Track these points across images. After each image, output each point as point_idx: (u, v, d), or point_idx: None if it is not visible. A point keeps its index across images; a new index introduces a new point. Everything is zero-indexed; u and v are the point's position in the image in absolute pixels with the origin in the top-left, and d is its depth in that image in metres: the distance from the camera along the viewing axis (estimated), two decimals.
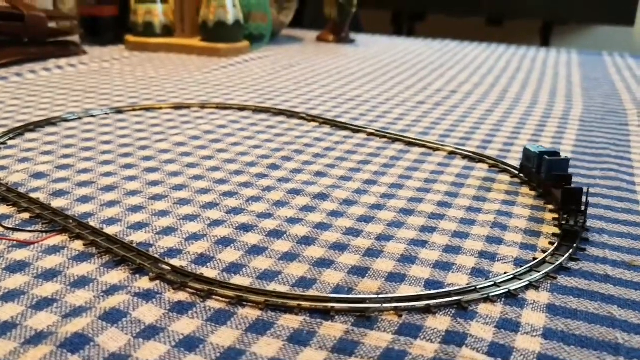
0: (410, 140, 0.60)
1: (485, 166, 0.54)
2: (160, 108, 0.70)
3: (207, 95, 0.76)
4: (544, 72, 1.01)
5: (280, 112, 0.69)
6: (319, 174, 0.50)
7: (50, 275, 0.33)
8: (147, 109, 0.69)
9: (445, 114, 0.72)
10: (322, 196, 0.46)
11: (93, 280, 0.33)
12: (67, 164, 0.51)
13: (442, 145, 0.58)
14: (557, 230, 0.41)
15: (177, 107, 0.70)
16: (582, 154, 0.58)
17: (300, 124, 0.65)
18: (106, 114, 0.66)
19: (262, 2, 1.10)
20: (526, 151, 0.49)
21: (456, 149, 0.57)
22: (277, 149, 0.57)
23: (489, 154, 0.57)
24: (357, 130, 0.63)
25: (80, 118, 0.64)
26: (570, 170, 0.53)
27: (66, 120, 0.63)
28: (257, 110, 0.70)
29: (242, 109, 0.70)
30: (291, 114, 0.68)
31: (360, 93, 0.81)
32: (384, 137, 0.61)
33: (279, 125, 0.64)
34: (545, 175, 0.46)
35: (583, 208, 0.42)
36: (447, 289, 0.32)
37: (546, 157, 0.46)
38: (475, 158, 0.55)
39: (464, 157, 0.56)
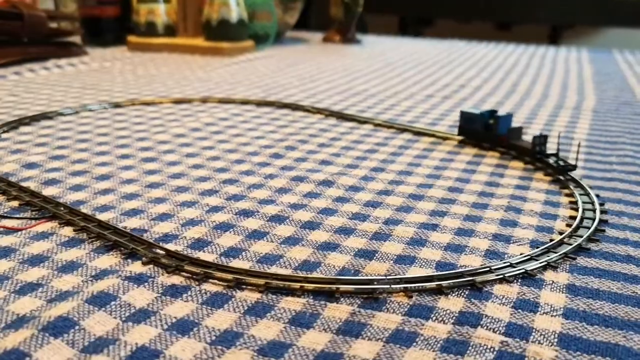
0: (419, 130, 0.58)
1: (497, 154, 0.51)
2: (161, 102, 0.68)
3: (209, 91, 0.74)
4: (554, 69, 0.99)
5: (284, 105, 0.67)
6: (324, 162, 0.48)
7: (36, 260, 0.31)
8: (148, 104, 0.67)
9: (455, 106, 0.70)
10: (327, 183, 0.43)
11: (82, 265, 0.31)
12: (62, 154, 0.49)
13: (452, 135, 0.56)
14: (574, 213, 0.38)
15: (178, 101, 0.68)
16: (597, 142, 0.56)
17: (305, 116, 0.63)
18: (104, 108, 0.65)
19: (267, 1, 1.09)
20: (465, 114, 0.53)
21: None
22: (281, 139, 0.55)
23: None
24: (363, 121, 0.61)
25: (77, 112, 0.63)
26: (586, 156, 0.51)
27: (63, 115, 0.62)
28: (261, 104, 0.68)
29: (245, 102, 0.69)
30: (296, 107, 0.66)
31: (367, 88, 0.79)
32: (392, 127, 0.59)
33: (283, 118, 0.62)
34: (500, 130, 0.50)
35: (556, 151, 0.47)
36: (459, 270, 0.30)
37: (498, 115, 0.50)
38: (486, 146, 0.53)
39: (475, 145, 0.54)
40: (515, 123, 0.62)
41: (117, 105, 0.66)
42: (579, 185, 0.43)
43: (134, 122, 0.60)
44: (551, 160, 0.47)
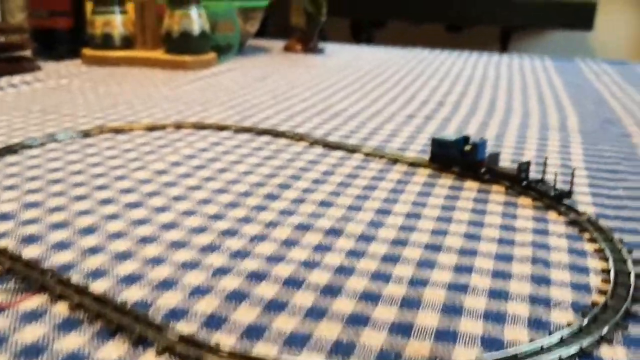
0: (412, 161, 0.55)
1: (502, 188, 0.49)
2: (132, 129, 0.63)
3: (180, 114, 0.70)
4: (525, 80, 0.98)
5: (264, 131, 0.64)
6: (324, 203, 0.45)
7: (32, 352, 0.27)
8: (117, 131, 0.62)
9: (439, 127, 0.67)
10: (335, 232, 0.40)
11: (86, 358, 0.27)
12: (35, 200, 0.44)
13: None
14: (605, 265, 0.36)
15: (151, 128, 0.64)
16: (597, 170, 0.54)
17: (289, 145, 0.60)
18: (72, 137, 0.60)
19: (229, 11, 1.04)
20: (438, 141, 0.52)
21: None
22: (271, 174, 0.51)
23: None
24: (352, 150, 0.58)
25: (43, 144, 0.58)
26: (592, 190, 0.49)
27: (28, 147, 0.56)
28: (239, 130, 0.64)
29: (221, 128, 0.65)
30: (277, 133, 0.63)
31: (345, 107, 0.76)
32: (383, 157, 0.56)
33: (266, 147, 0.59)
34: (479, 156, 0.50)
35: (541, 177, 0.46)
36: (512, 351, 0.28)
37: (476, 141, 0.50)
38: (491, 180, 0.51)
39: (479, 179, 0.51)
40: (505, 147, 0.60)
41: (85, 135, 0.61)
42: (596, 226, 0.41)
43: (108, 155, 0.55)
44: (542, 187, 0.46)
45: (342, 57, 1.17)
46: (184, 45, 0.97)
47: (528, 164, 0.47)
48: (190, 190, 0.47)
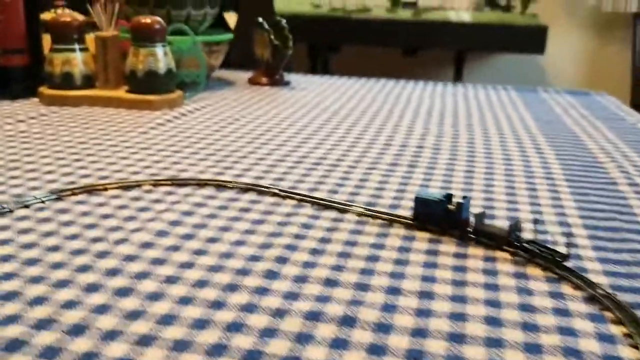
0: (394, 219, 0.53)
1: (507, 255, 0.47)
2: (106, 189, 0.59)
3: (154, 166, 0.66)
4: (496, 114, 0.98)
5: (247, 188, 0.60)
6: (330, 282, 0.42)
7: None
8: (90, 192, 0.58)
9: (426, 176, 0.65)
10: (349, 321, 0.38)
11: None
12: (14, 290, 0.40)
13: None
14: (636, 353, 0.35)
15: (126, 186, 0.60)
16: (595, 228, 0.53)
17: (276, 203, 0.57)
18: (42, 201, 0.55)
19: (194, 46, 1.01)
20: (422, 199, 0.50)
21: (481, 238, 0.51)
22: (265, 244, 0.48)
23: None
24: (344, 209, 0.56)
25: (11, 211, 0.53)
26: (597, 254, 0.48)
27: None
28: (220, 186, 0.61)
29: (201, 184, 0.61)
30: (260, 190, 0.60)
31: (324, 154, 0.73)
32: (378, 217, 0.54)
33: (253, 206, 0.56)
34: (463, 215, 0.48)
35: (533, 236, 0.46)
36: None
37: (462, 199, 0.49)
38: (480, 241, 0.49)
39: (467, 240, 0.49)
40: (495, 200, 0.59)
41: (58, 197, 0.56)
42: (617, 304, 0.39)
43: (85, 223, 0.51)
44: (535, 249, 0.45)
45: (309, 90, 1.15)
46: (149, 85, 0.93)
47: (518, 223, 0.46)
48: (182, 269, 0.44)
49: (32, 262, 0.44)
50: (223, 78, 1.26)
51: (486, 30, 2.25)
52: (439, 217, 0.50)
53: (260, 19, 1.16)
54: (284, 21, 1.18)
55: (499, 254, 0.47)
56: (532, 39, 2.22)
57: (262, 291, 0.41)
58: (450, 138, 0.83)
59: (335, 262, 0.45)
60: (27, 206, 0.54)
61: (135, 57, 0.93)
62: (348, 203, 0.56)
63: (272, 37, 1.13)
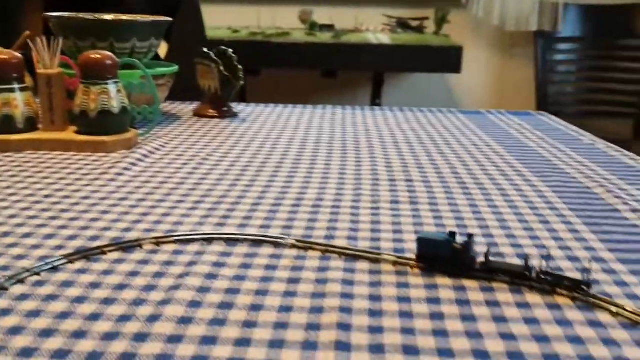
0: (397, 261, 0.50)
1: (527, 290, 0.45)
2: (104, 252, 0.52)
3: (122, 217, 0.60)
4: (459, 139, 0.97)
5: (261, 240, 0.56)
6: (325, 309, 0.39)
7: None
8: (87, 257, 0.51)
9: (440, 208, 0.63)
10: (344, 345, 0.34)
11: None
12: None
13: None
14: None
15: (125, 246, 0.54)
16: (627, 262, 0.52)
17: (300, 256, 0.52)
18: (37, 274, 0.48)
19: (144, 83, 0.94)
20: (425, 240, 0.48)
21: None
22: (314, 308, 0.44)
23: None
24: (376, 259, 0.52)
25: (5, 289, 0.46)
26: (612, 289, 0.47)
27: None
28: (231, 240, 0.56)
29: (187, 240, 0.55)
30: (276, 242, 0.55)
31: (312, 196, 0.70)
32: (378, 260, 0.51)
33: (272, 260, 0.51)
34: (470, 255, 0.47)
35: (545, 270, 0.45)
36: None
37: (467, 238, 0.47)
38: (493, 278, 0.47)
39: (480, 278, 0.47)
40: (501, 237, 0.57)
41: (52, 267, 0.49)
42: None
43: (100, 297, 0.44)
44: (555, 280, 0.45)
45: (264, 123, 1.10)
46: (103, 125, 0.86)
47: (527, 256, 0.46)
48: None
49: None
50: (166, 109, 1.19)
51: (404, 52, 2.29)
52: (445, 258, 0.48)
53: (206, 50, 1.11)
54: (230, 51, 1.13)
55: (510, 287, 0.45)
56: (449, 59, 2.28)
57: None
58: (431, 168, 0.81)
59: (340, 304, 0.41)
60: (21, 281, 0.47)
61: (86, 96, 0.85)
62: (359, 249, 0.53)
63: (222, 68, 1.08)
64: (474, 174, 0.79)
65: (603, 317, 0.42)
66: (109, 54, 0.86)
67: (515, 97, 2.83)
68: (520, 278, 0.46)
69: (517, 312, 0.43)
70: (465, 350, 0.38)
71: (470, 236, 0.48)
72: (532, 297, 0.45)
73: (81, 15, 1.01)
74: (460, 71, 2.28)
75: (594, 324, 0.41)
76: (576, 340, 0.39)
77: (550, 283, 0.45)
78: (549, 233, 0.58)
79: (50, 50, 0.88)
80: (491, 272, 0.47)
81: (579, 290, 0.44)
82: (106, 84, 0.85)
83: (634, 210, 0.65)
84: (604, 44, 2.76)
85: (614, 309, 0.42)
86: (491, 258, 0.48)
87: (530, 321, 0.42)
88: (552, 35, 2.76)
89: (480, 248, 0.53)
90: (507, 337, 0.40)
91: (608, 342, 0.39)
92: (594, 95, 2.74)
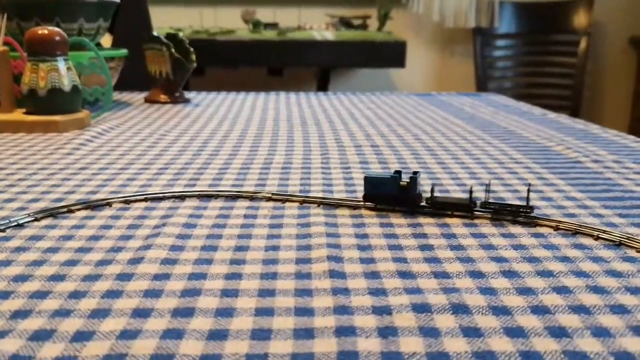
0: (342, 203, 0.49)
1: (474, 220, 0.46)
2: (71, 211, 0.50)
3: (102, 189, 0.58)
4: (415, 114, 0.98)
5: (236, 195, 0.54)
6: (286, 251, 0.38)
7: None
8: (54, 215, 0.49)
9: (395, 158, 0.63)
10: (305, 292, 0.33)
11: None
12: None
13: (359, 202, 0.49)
14: None
15: (94, 205, 0.51)
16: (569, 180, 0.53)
17: (252, 206, 0.51)
18: (2, 230, 0.45)
19: (96, 62, 0.91)
20: (372, 179, 0.49)
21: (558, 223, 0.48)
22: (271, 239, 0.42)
23: None
24: (328, 203, 0.51)
25: None
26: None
27: None
28: (204, 196, 0.54)
29: (181, 197, 0.54)
30: (254, 195, 0.54)
31: (286, 158, 0.68)
32: (326, 203, 0.50)
33: (252, 212, 0.50)
34: (414, 192, 0.48)
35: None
36: None
37: (412, 175, 0.48)
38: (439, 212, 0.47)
39: (424, 214, 0.47)
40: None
41: (18, 224, 0.46)
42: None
43: (79, 246, 0.42)
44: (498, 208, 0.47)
45: (217, 107, 1.08)
46: (53, 104, 0.83)
47: (471, 188, 0.48)
48: None
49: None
50: (114, 98, 1.15)
51: (349, 48, 2.30)
52: (390, 195, 0.49)
53: (156, 33, 1.08)
54: (181, 34, 1.11)
55: (456, 220, 0.46)
56: (393, 54, 2.30)
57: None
58: (394, 137, 0.81)
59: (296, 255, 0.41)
60: None
61: (34, 74, 0.82)
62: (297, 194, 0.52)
63: (173, 50, 1.05)
64: (437, 142, 0.79)
65: (544, 230, 0.45)
66: (58, 29, 0.83)
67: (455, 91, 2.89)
68: (466, 210, 0.47)
69: (473, 240, 0.43)
70: (426, 272, 0.38)
71: (415, 173, 0.48)
72: (482, 224, 0.45)
73: None
74: (404, 65, 2.30)
75: (537, 235, 0.44)
76: (519, 247, 0.42)
77: (495, 211, 0.47)
78: (492, 173, 0.59)
79: None
80: (438, 207, 0.48)
81: (522, 214, 0.46)
82: (55, 60, 0.82)
83: (596, 162, 0.66)
84: (538, 40, 2.85)
85: (553, 224, 0.45)
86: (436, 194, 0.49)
87: (486, 247, 0.42)
88: (489, 32, 2.82)
89: (425, 187, 0.53)
90: (464, 260, 0.40)
91: (549, 246, 0.42)
92: (531, 89, 2.82)
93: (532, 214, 0.46)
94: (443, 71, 2.97)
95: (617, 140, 0.78)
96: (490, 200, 0.48)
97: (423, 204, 0.48)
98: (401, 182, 0.48)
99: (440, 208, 0.48)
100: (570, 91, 2.83)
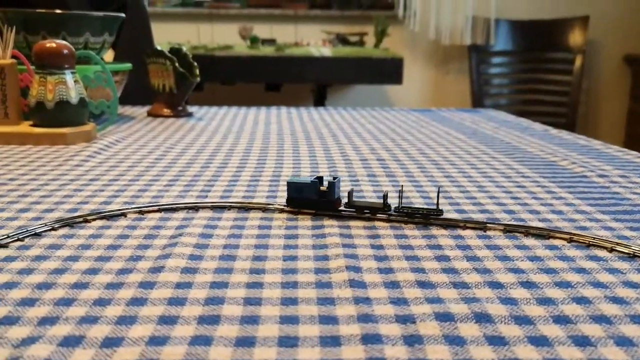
0: (267, 207, 0.50)
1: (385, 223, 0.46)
2: (87, 221, 0.50)
3: (115, 199, 0.58)
4: (417, 128, 0.99)
5: (250, 207, 0.54)
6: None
7: None
8: (71, 225, 0.49)
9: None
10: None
11: None
12: None
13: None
14: None
15: (109, 215, 0.51)
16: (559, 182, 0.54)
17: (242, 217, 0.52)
18: (19, 239, 0.45)
19: (102, 76, 0.92)
20: (295, 184, 0.51)
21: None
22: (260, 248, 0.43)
23: None
24: (259, 208, 0.52)
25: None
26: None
27: None
28: (217, 207, 0.54)
29: (195, 208, 0.54)
30: (267, 207, 0.54)
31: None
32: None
33: (264, 223, 0.50)
34: (336, 195, 0.50)
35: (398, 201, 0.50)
36: None
37: (331, 180, 0.50)
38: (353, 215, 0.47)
39: (340, 217, 0.48)
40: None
41: (35, 234, 0.46)
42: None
43: (94, 255, 0.42)
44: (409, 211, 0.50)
45: (216, 120, 1.09)
46: (61, 117, 0.83)
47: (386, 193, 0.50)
48: None
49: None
50: (118, 112, 1.16)
51: (347, 64, 2.31)
52: (311, 200, 0.51)
53: (159, 47, 1.09)
54: (185, 48, 1.12)
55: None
56: (390, 70, 2.32)
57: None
58: (400, 153, 0.82)
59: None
60: (3, 246, 0.44)
61: (42, 87, 0.82)
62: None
63: (177, 65, 1.06)
64: (454, 163, 0.80)
65: (557, 242, 0.46)
66: (65, 43, 0.84)
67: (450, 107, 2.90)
68: (381, 213, 0.50)
69: (488, 252, 0.44)
70: (445, 282, 0.38)
71: (334, 178, 0.51)
72: (496, 235, 0.46)
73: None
74: (401, 82, 2.32)
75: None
76: (535, 258, 0.43)
77: (407, 214, 0.50)
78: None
79: (3, 41, 0.85)
80: (354, 210, 0.51)
81: (432, 218, 0.49)
82: (63, 73, 0.82)
83: (582, 166, 0.67)
84: (534, 57, 2.87)
85: (567, 236, 0.46)
86: (354, 198, 0.52)
87: (501, 258, 0.42)
88: (485, 49, 2.85)
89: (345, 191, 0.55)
90: (482, 271, 0.40)
91: (564, 258, 0.43)
92: (526, 106, 2.84)
93: (441, 217, 0.49)
94: (439, 87, 3.00)
95: (620, 155, 0.79)
96: (403, 205, 0.51)
97: (341, 207, 0.51)
98: (321, 187, 0.51)
99: (357, 211, 0.50)
100: (566, 108, 2.86)
